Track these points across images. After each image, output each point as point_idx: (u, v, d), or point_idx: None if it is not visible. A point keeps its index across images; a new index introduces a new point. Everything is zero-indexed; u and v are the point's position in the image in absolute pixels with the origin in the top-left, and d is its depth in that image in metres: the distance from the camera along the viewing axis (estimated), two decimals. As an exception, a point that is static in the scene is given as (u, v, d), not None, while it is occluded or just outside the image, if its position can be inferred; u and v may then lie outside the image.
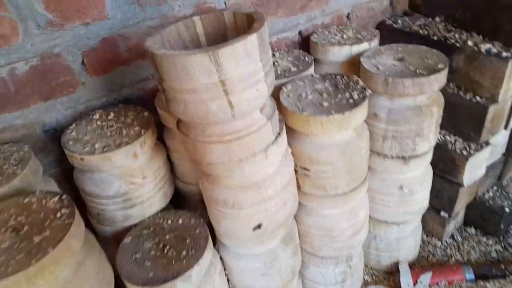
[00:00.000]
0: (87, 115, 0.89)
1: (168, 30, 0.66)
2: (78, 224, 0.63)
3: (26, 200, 0.68)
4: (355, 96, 0.78)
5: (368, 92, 0.80)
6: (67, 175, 0.97)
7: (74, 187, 0.88)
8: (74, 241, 0.61)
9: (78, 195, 0.89)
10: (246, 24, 0.67)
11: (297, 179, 0.86)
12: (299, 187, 0.87)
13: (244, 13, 0.66)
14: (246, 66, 0.58)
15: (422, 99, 0.86)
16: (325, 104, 0.77)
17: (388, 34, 1.16)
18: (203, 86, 0.57)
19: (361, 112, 0.77)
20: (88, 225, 0.92)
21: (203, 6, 0.93)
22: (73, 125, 0.86)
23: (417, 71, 0.83)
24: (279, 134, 0.71)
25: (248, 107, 0.61)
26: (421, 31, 1.08)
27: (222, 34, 0.71)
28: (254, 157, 0.67)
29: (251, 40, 0.56)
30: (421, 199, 1.00)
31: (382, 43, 1.03)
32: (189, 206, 1.01)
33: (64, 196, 0.68)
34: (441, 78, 0.82)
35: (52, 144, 0.92)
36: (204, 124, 0.65)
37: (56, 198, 0.67)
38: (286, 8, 1.05)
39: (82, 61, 0.87)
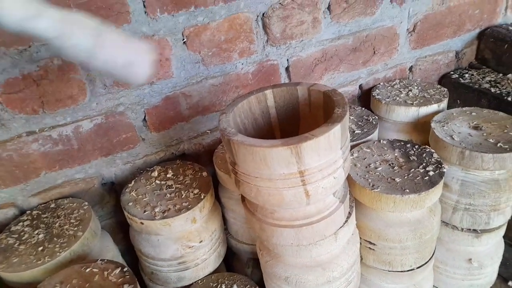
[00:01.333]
0: (145, 171, 0.88)
1: (240, 106, 0.64)
2: (141, 304, 0.61)
3: (88, 270, 0.67)
4: (431, 172, 0.73)
5: (445, 167, 0.74)
6: (121, 226, 0.96)
7: (128, 238, 0.87)
8: (136, 324, 0.59)
9: (132, 248, 0.88)
10: (321, 101, 0.64)
11: (360, 251, 0.81)
12: (361, 259, 0.82)
13: (320, 91, 0.63)
14: (327, 156, 0.54)
15: (500, 173, 0.80)
16: (398, 180, 0.73)
17: (454, 89, 1.10)
18: (281, 176, 0.54)
19: (437, 191, 0.71)
20: (141, 282, 0.91)
21: (266, 63, 0.91)
22: (132, 182, 0.85)
23: (498, 144, 0.77)
24: (349, 214, 0.67)
25: (324, 194, 0.57)
26: (492, 89, 1.01)
27: (293, 108, 0.68)
28: (323, 241, 0.64)
29: (335, 132, 0.53)
30: (491, 272, 0.93)
31: (448, 98, 0.98)
32: (238, 263, 0.97)
33: (126, 269, 0.66)
34: (524, 153, 0.76)
35: (109, 197, 0.92)
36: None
37: (117, 271, 0.66)
38: (348, 63, 1.01)
39: (144, 118, 0.86)
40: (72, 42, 0.45)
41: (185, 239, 0.80)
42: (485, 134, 0.81)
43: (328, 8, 0.92)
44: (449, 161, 0.81)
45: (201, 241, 0.81)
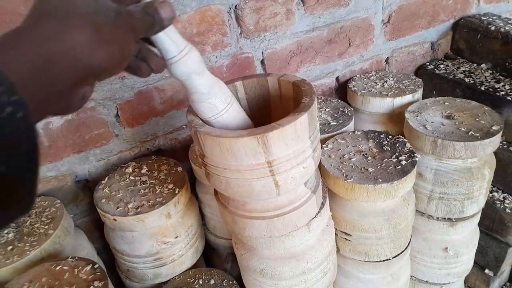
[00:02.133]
0: (120, 168, 0.87)
1: (209, 97, 0.63)
2: (111, 301, 0.60)
3: (58, 268, 0.66)
4: (403, 162, 0.74)
5: (417, 157, 0.75)
6: (97, 224, 0.95)
7: (103, 236, 0.85)
8: (106, 321, 0.58)
9: (108, 246, 0.86)
10: (291, 92, 0.63)
11: (336, 242, 0.82)
12: (337, 250, 0.83)
13: (290, 81, 0.63)
14: (295, 146, 0.54)
15: (473, 161, 0.81)
16: (371, 170, 0.73)
17: (429, 80, 1.11)
18: (249, 167, 0.53)
19: (409, 180, 0.72)
20: (118, 280, 0.90)
21: (240, 56, 0.91)
22: (106, 179, 0.84)
23: (470, 133, 0.78)
24: (322, 205, 0.67)
25: (294, 185, 0.57)
26: (466, 79, 1.03)
27: (264, 99, 0.68)
28: (296, 232, 0.63)
29: (301, 121, 0.52)
30: (467, 261, 0.94)
31: (424, 89, 0.98)
32: (218, 259, 0.97)
33: (96, 266, 0.65)
34: (495, 141, 0.77)
35: (84, 195, 0.90)
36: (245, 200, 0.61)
37: (88, 268, 0.65)
38: (324, 56, 1.01)
39: (117, 113, 0.85)
40: (211, 101, 0.53)
41: (160, 235, 0.79)
42: (457, 123, 0.82)
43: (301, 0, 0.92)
44: (423, 151, 0.81)
45: (176, 237, 0.80)
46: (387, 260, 0.80)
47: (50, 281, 0.64)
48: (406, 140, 0.80)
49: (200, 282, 0.82)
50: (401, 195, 0.75)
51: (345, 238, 0.79)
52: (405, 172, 0.71)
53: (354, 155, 0.78)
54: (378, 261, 0.80)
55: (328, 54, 1.02)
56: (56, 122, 0.80)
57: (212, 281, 0.82)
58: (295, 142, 0.54)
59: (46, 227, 0.74)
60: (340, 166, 0.75)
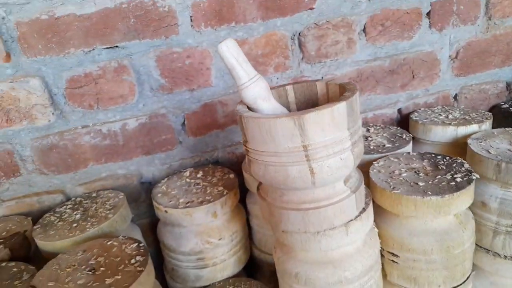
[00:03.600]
0: (179, 172, 0.94)
1: (260, 96, 0.69)
2: (148, 273, 0.63)
3: (109, 243, 0.72)
4: (458, 179, 0.69)
5: (475, 175, 0.70)
6: (153, 228, 1.01)
7: (157, 241, 0.91)
8: (141, 289, 0.61)
9: (160, 251, 0.91)
10: (338, 94, 0.66)
11: (383, 266, 0.77)
12: (385, 276, 0.77)
13: (336, 84, 0.66)
14: (332, 133, 0.55)
15: (545, 192, 0.73)
16: (421, 184, 0.70)
17: (503, 118, 1.04)
18: (285, 149, 0.56)
19: (464, 197, 0.67)
20: (164, 282, 0.93)
21: (300, 79, 0.96)
22: (165, 179, 0.91)
23: (539, 158, 0.71)
24: (363, 210, 0.65)
25: (331, 176, 0.58)
26: (545, 117, 0.95)
27: (313, 104, 0.71)
28: (332, 231, 0.62)
29: (339, 108, 0.54)
30: (546, 318, 0.80)
31: (496, 128, 0.93)
32: (262, 277, 0.95)
33: (142, 244, 0.70)
34: None
35: (146, 196, 0.98)
36: (282, 189, 0.63)
37: (134, 245, 0.70)
38: (385, 86, 1.02)
39: (183, 122, 0.94)
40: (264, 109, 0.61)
41: (205, 234, 0.82)
42: (526, 149, 0.76)
43: (364, 30, 0.96)
44: (486, 177, 0.76)
45: (220, 239, 0.82)
46: (440, 292, 0.72)
47: (100, 252, 0.69)
48: (464, 161, 0.75)
49: (239, 289, 0.81)
50: (455, 214, 0.69)
51: (393, 260, 0.74)
52: (459, 188, 0.67)
53: (406, 171, 0.75)
54: (429, 292, 0.73)
55: (389, 84, 1.03)
56: (131, 123, 0.91)
57: (251, 290, 0.81)
58: (332, 130, 0.55)
59: (107, 212, 0.82)
60: (389, 180, 0.73)
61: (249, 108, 0.62)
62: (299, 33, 0.93)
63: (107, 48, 0.84)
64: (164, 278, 0.94)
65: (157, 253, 1.01)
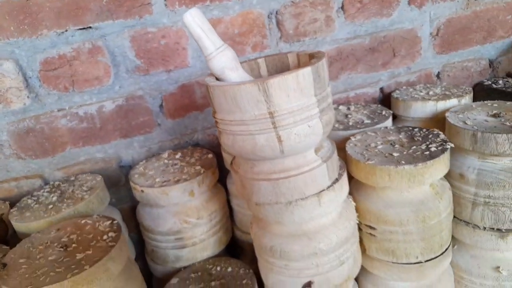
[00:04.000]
0: (158, 154, 0.93)
1: (230, 69, 0.68)
2: (120, 248, 0.63)
3: (83, 221, 0.71)
4: (433, 149, 0.69)
5: (450, 144, 0.70)
6: (135, 213, 1.00)
7: (139, 226, 0.90)
8: (112, 264, 0.60)
9: (142, 237, 0.90)
10: (308, 63, 0.65)
11: (362, 240, 0.76)
12: (364, 250, 0.76)
13: (306, 54, 0.65)
14: (298, 100, 0.55)
15: (522, 161, 0.72)
16: (396, 154, 0.69)
17: (486, 95, 1.04)
18: (252, 117, 0.55)
19: (438, 166, 0.66)
20: (146, 267, 0.92)
21: (279, 58, 0.95)
22: (144, 161, 0.90)
23: (515, 126, 0.70)
24: (336, 180, 0.64)
25: (299, 143, 0.57)
26: (526, 91, 0.94)
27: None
28: (304, 201, 0.61)
29: (304, 73, 0.54)
30: (528, 289, 0.80)
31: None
32: (245, 258, 0.95)
33: (115, 222, 0.69)
34: (546, 135, 0.68)
35: (125, 180, 0.98)
36: (253, 160, 0.62)
37: (108, 222, 0.69)
38: (366, 64, 1.02)
39: (161, 104, 0.93)
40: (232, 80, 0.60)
41: (183, 214, 0.81)
42: (503, 120, 0.75)
43: (342, 7, 0.96)
44: (464, 149, 0.75)
45: (198, 218, 0.81)
46: (418, 263, 0.72)
47: (74, 230, 0.69)
48: (440, 132, 0.75)
49: (218, 268, 0.81)
50: (430, 184, 0.69)
51: (370, 233, 0.73)
52: (433, 156, 0.66)
53: (381, 144, 0.75)
54: (407, 263, 0.72)
55: (371, 63, 1.02)
56: (108, 106, 0.90)
57: (230, 269, 0.80)
58: (298, 95, 0.55)
59: (84, 193, 0.81)
60: (364, 152, 0.72)
61: (218, 80, 0.61)
62: (276, 12, 0.93)
63: (80, 29, 0.84)
64: (146, 263, 0.94)
65: (139, 238, 1.01)
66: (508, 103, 0.83)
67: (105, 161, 0.94)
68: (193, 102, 0.95)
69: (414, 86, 1.03)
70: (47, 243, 0.66)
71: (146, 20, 0.86)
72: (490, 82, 1.06)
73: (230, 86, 0.54)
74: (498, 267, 0.78)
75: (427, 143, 0.71)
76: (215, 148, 0.99)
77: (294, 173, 0.60)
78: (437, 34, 1.04)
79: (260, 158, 0.60)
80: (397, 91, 1.00)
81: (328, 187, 0.63)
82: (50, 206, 0.79)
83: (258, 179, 0.62)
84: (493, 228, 0.76)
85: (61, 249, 0.64)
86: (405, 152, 0.70)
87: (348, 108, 0.96)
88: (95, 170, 0.94)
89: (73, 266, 0.58)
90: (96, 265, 0.58)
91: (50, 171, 0.92)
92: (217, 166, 0.86)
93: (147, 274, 0.93)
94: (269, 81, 0.52)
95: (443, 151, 0.68)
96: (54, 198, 0.82)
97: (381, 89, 1.06)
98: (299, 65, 0.68)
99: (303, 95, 0.55)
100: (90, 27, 0.84)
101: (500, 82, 1.05)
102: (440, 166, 0.67)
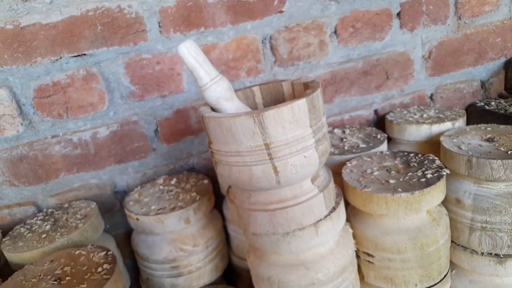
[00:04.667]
0: (153, 180, 0.93)
1: (226, 98, 0.68)
2: (115, 281, 0.61)
3: (77, 252, 0.70)
4: (429, 175, 0.69)
5: (445, 171, 0.70)
6: (130, 239, 0.99)
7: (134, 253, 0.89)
8: (106, 299, 0.59)
9: (137, 264, 0.89)
10: (303, 92, 0.65)
11: (360, 267, 0.75)
12: (362, 277, 0.76)
13: (301, 83, 0.65)
14: (293, 131, 0.55)
15: (517, 186, 0.72)
16: (392, 181, 0.69)
17: (479, 116, 1.05)
18: (247, 148, 0.55)
19: (435, 193, 0.66)
20: (139, 291, 0.91)
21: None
22: (139, 187, 0.90)
23: (510, 152, 0.71)
24: (334, 209, 0.64)
25: (295, 174, 0.57)
26: (518, 113, 0.95)
27: (280, 103, 0.70)
28: (302, 232, 0.61)
29: (299, 105, 0.54)
30: (527, 314, 0.79)
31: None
32: (241, 284, 0.93)
33: (110, 252, 0.68)
34: (540, 161, 0.69)
35: (120, 206, 0.97)
36: (249, 191, 0.61)
37: (102, 253, 0.68)
38: (359, 87, 1.02)
39: (156, 129, 0.93)
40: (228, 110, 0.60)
41: (179, 242, 0.80)
42: (497, 144, 0.75)
43: (335, 32, 0.97)
44: (459, 173, 0.75)
45: (194, 246, 0.80)
46: (417, 291, 0.71)
47: (68, 261, 0.67)
48: (436, 158, 0.75)
49: (215, 297, 0.80)
50: (427, 210, 0.69)
51: (368, 261, 0.73)
52: (429, 183, 0.66)
53: (378, 170, 0.75)
54: (406, 291, 0.71)
55: (364, 86, 1.03)
56: (102, 132, 0.89)
57: (227, 298, 0.79)
58: (294, 127, 0.55)
59: (78, 222, 0.80)
60: (360, 179, 0.72)
61: (213, 109, 0.61)
62: (270, 37, 0.93)
63: (74, 56, 0.84)
64: (140, 289, 0.92)
65: (134, 264, 0.99)
66: (501, 126, 0.83)
67: (100, 187, 0.93)
68: (188, 126, 0.95)
69: (408, 108, 1.04)
70: (40, 275, 0.65)
71: (140, 46, 0.86)
72: (483, 104, 1.07)
73: (225, 118, 0.54)
74: (497, 292, 0.78)
75: (423, 169, 0.72)
76: (211, 172, 0.99)
77: (291, 203, 0.60)
78: (429, 57, 1.05)
79: (257, 188, 0.59)
80: (391, 114, 1.01)
81: (325, 216, 0.63)
82: (44, 236, 0.77)
83: (255, 209, 0.61)
84: (491, 253, 0.76)
85: (55, 282, 0.62)
86: (401, 179, 0.70)
87: (343, 132, 0.97)
88: (89, 196, 0.93)
89: (66, 302, 0.57)
90: (90, 301, 0.56)
91: (44, 198, 0.91)
92: (213, 192, 0.86)
93: (142, 302, 0.92)
94: (264, 113, 0.52)
95: (439, 178, 0.68)
96: (48, 227, 0.80)
97: (375, 111, 1.07)
98: (294, 93, 0.68)
99: (299, 126, 0.55)
100: (84, 54, 0.84)
101: (493, 103, 1.06)
102: (437, 193, 0.67)
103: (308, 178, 0.61)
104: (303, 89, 0.65)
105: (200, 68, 0.57)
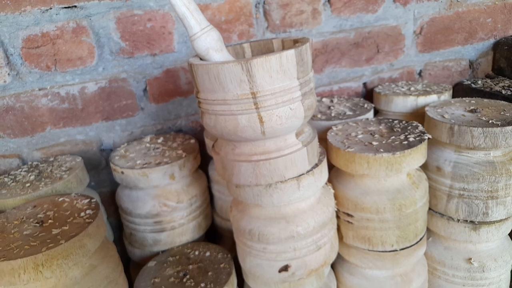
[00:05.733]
0: (140, 138, 0.93)
1: (216, 52, 0.68)
2: (97, 226, 0.62)
3: (61, 199, 0.70)
4: (411, 139, 0.70)
5: (427, 135, 0.71)
6: (115, 198, 0.99)
7: (118, 212, 0.89)
8: (88, 240, 0.60)
9: (121, 223, 0.90)
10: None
11: (340, 228, 0.77)
12: (341, 238, 0.78)
13: (291, 40, 0.66)
14: (281, 81, 0.55)
15: (496, 154, 0.74)
16: (375, 143, 0.71)
17: (465, 94, 1.06)
18: (234, 97, 0.55)
19: (415, 155, 0.68)
20: (124, 253, 0.92)
21: (265, 47, 0.96)
22: (125, 144, 0.90)
23: (490, 121, 0.73)
24: (316, 165, 0.65)
25: (280, 126, 0.57)
26: (503, 91, 0.97)
27: (269, 59, 0.71)
28: (284, 184, 0.62)
29: (287, 55, 0.54)
30: (496, 279, 0.82)
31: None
32: (224, 245, 0.95)
33: (93, 200, 0.68)
34: (519, 130, 0.71)
35: (106, 164, 0.97)
36: (234, 142, 0.62)
37: (86, 201, 0.68)
38: (350, 59, 1.03)
39: (145, 88, 0.93)
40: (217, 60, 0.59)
41: (162, 197, 0.81)
42: (479, 115, 0.77)
43: (329, 1, 0.97)
44: (441, 142, 0.77)
45: (178, 202, 0.81)
46: (393, 251, 0.73)
47: (50, 207, 0.68)
48: (419, 125, 0.76)
49: (196, 253, 0.81)
50: (407, 173, 0.71)
51: (348, 221, 0.75)
52: (410, 146, 0.68)
53: (362, 134, 0.76)
54: (383, 251, 0.73)
55: (355, 57, 1.04)
56: (91, 87, 0.89)
57: (208, 253, 0.80)
58: (281, 77, 0.55)
59: (62, 173, 0.80)
60: (344, 141, 0.74)
61: (202, 60, 0.61)
62: (264, 1, 0.93)
63: (65, 7, 0.82)
64: (124, 248, 0.93)
65: (118, 223, 1.00)
66: (485, 100, 0.85)
67: (86, 144, 0.93)
68: (177, 87, 0.94)
69: (396, 83, 1.05)
70: (22, 218, 0.65)
71: (132, 2, 0.86)
72: (469, 82, 1.09)
73: (213, 65, 0.55)
74: (470, 259, 0.80)
75: (406, 133, 0.73)
76: (198, 135, 0.99)
77: (274, 155, 0.61)
78: (420, 33, 1.06)
79: (242, 139, 0.60)
80: (380, 87, 1.02)
81: (308, 171, 0.64)
82: (28, 185, 0.77)
83: (239, 160, 0.62)
84: (467, 220, 0.78)
85: (37, 224, 0.63)
86: (384, 142, 0.71)
87: (331, 101, 0.98)
88: (75, 152, 0.93)
89: (48, 241, 0.57)
90: (72, 240, 0.57)
91: (29, 151, 0.90)
92: (199, 151, 0.86)
93: (125, 258, 0.93)
94: (252, 60, 0.53)
95: (420, 141, 0.69)
96: (32, 177, 0.80)
97: (364, 84, 1.08)
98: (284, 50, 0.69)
99: (286, 77, 0.56)
100: (75, 6, 0.83)
101: (479, 82, 1.08)
102: (418, 155, 0.69)
103: (293, 132, 0.62)
104: (293, 45, 0.66)
105: (190, 17, 0.57)
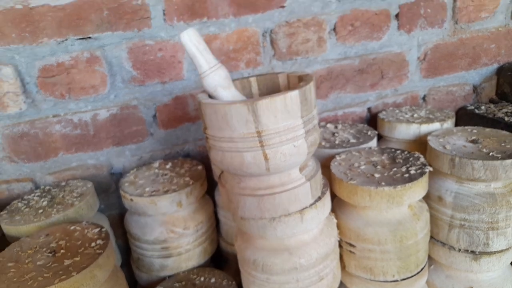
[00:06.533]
0: (149, 163, 0.95)
1: (223, 87, 0.71)
2: (108, 256, 0.64)
3: (72, 227, 0.73)
4: (412, 171, 0.72)
5: (428, 168, 0.73)
6: (123, 220, 1.02)
7: (126, 235, 0.92)
8: (99, 271, 0.62)
9: (129, 247, 0.92)
10: (297, 85, 0.68)
11: (342, 257, 0.79)
12: (344, 267, 0.79)
13: (296, 75, 0.68)
14: (285, 120, 0.57)
15: (496, 186, 0.76)
16: (377, 175, 0.72)
17: (468, 119, 1.08)
18: (240, 135, 0.58)
19: (416, 189, 0.70)
20: (132, 275, 0.94)
21: (271, 75, 0.99)
22: (135, 169, 0.93)
23: (491, 154, 0.74)
24: (319, 198, 0.67)
25: (284, 162, 0.60)
26: (506, 118, 0.98)
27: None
28: (287, 218, 0.64)
29: (292, 96, 0.57)
30: (499, 310, 0.83)
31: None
32: (229, 269, 0.97)
33: (104, 229, 0.71)
34: (519, 164, 0.72)
35: (115, 187, 0.99)
36: (240, 176, 0.64)
37: (96, 230, 0.71)
38: (355, 85, 1.05)
39: (154, 114, 0.96)
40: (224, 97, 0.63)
41: (170, 224, 0.83)
42: (480, 146, 0.79)
43: (334, 29, 0.99)
44: (442, 172, 0.79)
45: (185, 228, 0.83)
46: (394, 281, 0.75)
47: (62, 235, 0.70)
48: (421, 156, 0.78)
49: (202, 279, 0.83)
50: (409, 205, 0.72)
51: (350, 251, 0.76)
52: (412, 179, 0.69)
53: (364, 164, 0.78)
54: (384, 281, 0.75)
55: (359, 83, 1.06)
56: (102, 114, 0.92)
57: (213, 280, 0.82)
58: (285, 117, 0.57)
59: (74, 199, 0.83)
60: (347, 172, 0.75)
61: (210, 97, 0.64)
62: (271, 30, 0.96)
63: (80, 39, 0.86)
64: (131, 271, 0.95)
65: (125, 246, 1.02)
66: (487, 129, 0.86)
67: (97, 168, 0.96)
68: (186, 113, 0.97)
69: (400, 108, 1.07)
70: (36, 247, 0.68)
71: (144, 33, 0.89)
72: (473, 107, 1.11)
73: (221, 105, 0.57)
74: (472, 288, 0.81)
75: (408, 165, 0.75)
76: (205, 159, 1.02)
77: (278, 190, 0.63)
78: (424, 59, 1.08)
79: (247, 174, 0.62)
80: (384, 112, 1.04)
81: (311, 204, 0.66)
82: (40, 211, 0.80)
83: (244, 194, 0.64)
84: (468, 250, 0.79)
85: (50, 254, 0.65)
86: (386, 174, 0.73)
87: (336, 127, 1.00)
88: (86, 176, 0.96)
89: (60, 272, 0.60)
90: (83, 272, 0.59)
91: (42, 175, 0.93)
92: (206, 178, 0.89)
93: (132, 282, 0.95)
94: (258, 102, 0.55)
95: (421, 174, 0.71)
96: (45, 203, 0.83)
97: (369, 109, 1.10)
98: (289, 85, 0.71)
99: (290, 116, 0.58)
100: (89, 37, 0.86)
101: (483, 107, 1.09)
102: (419, 188, 0.70)
103: (297, 167, 0.64)
104: (298, 81, 0.68)
105: (200, 56, 0.60)
